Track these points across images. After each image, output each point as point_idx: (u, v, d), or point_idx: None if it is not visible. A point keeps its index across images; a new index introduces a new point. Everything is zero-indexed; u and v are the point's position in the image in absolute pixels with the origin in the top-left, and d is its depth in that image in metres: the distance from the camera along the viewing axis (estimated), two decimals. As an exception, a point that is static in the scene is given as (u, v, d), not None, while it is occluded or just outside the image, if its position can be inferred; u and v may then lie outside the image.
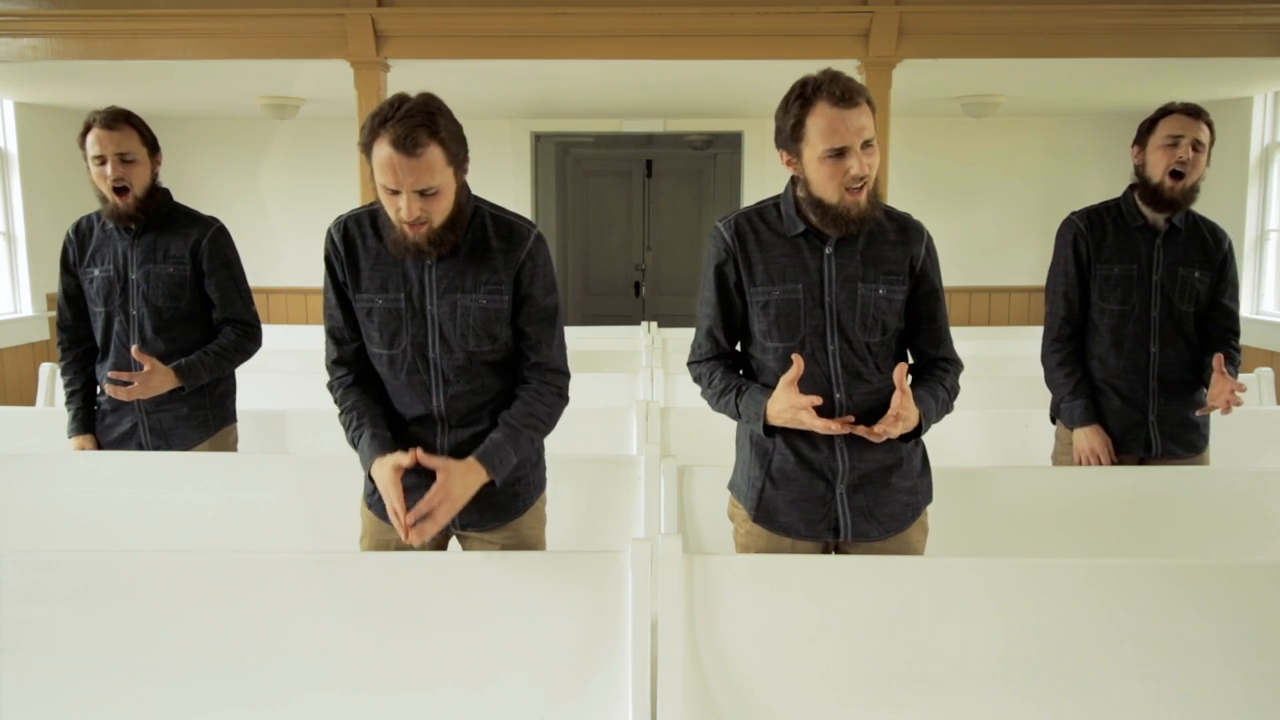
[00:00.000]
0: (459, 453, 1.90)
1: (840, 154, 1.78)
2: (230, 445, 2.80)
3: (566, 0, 4.35)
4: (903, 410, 1.80)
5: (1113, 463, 2.58)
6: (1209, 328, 2.61)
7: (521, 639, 1.86)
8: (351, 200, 5.33)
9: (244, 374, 3.02)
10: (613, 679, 1.84)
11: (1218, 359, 2.40)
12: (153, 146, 2.58)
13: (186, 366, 2.55)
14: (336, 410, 1.99)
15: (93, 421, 2.67)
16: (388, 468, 1.82)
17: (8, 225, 5.95)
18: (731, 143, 7.77)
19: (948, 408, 1.96)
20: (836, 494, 1.92)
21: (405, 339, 1.89)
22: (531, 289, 1.91)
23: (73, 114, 6.32)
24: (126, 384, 2.47)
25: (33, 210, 6.01)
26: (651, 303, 8.94)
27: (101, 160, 2.48)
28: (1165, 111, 2.53)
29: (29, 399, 5.58)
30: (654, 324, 5.66)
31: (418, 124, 1.71)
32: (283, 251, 7.01)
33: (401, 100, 1.73)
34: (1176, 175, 2.47)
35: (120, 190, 2.50)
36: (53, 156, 6.16)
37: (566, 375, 2.00)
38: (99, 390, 2.68)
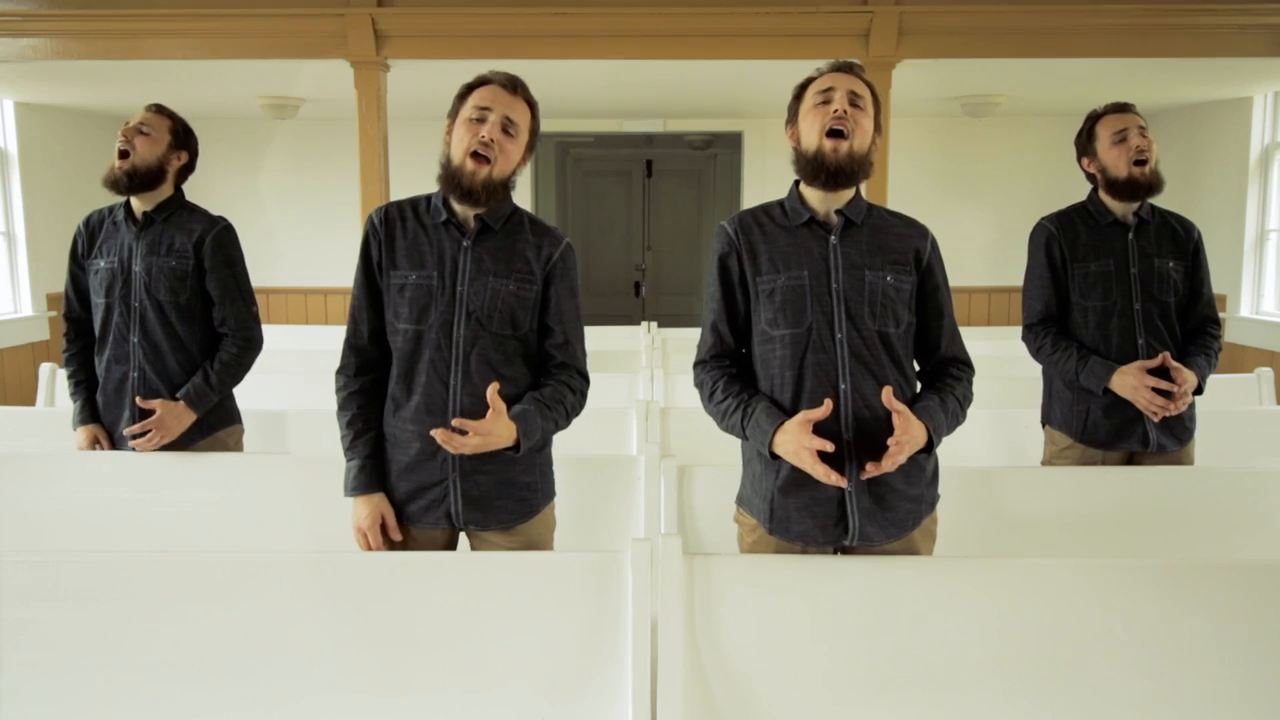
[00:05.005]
0: (470, 483, 1.98)
1: (826, 101, 1.88)
2: (232, 446, 2.78)
3: (566, 0, 4.35)
4: (904, 435, 1.75)
5: (1165, 373, 2.47)
6: (1189, 318, 2.64)
7: (521, 639, 1.86)
8: (352, 200, 5.33)
9: (244, 373, 3.01)
10: (613, 679, 1.84)
11: (1164, 356, 2.46)
12: (179, 141, 2.63)
13: (195, 395, 2.57)
14: (336, 404, 2.06)
15: (99, 411, 2.66)
16: (373, 511, 1.97)
17: (8, 225, 5.95)
18: (731, 143, 7.78)
19: (959, 418, 1.92)
20: (846, 494, 1.87)
21: (433, 315, 1.97)
22: (560, 288, 2.02)
23: (73, 114, 6.33)
24: (147, 430, 2.53)
25: (33, 210, 6.01)
26: (651, 303, 8.95)
27: (125, 124, 2.58)
28: (1096, 117, 2.63)
29: (29, 399, 5.58)
30: (654, 324, 5.66)
31: (523, 86, 2.02)
32: (282, 251, 7.01)
33: None
34: (1140, 163, 2.52)
35: (122, 154, 2.55)
36: (53, 156, 6.16)
37: (587, 380, 2.08)
38: (100, 385, 2.68)
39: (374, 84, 4.46)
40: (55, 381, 3.91)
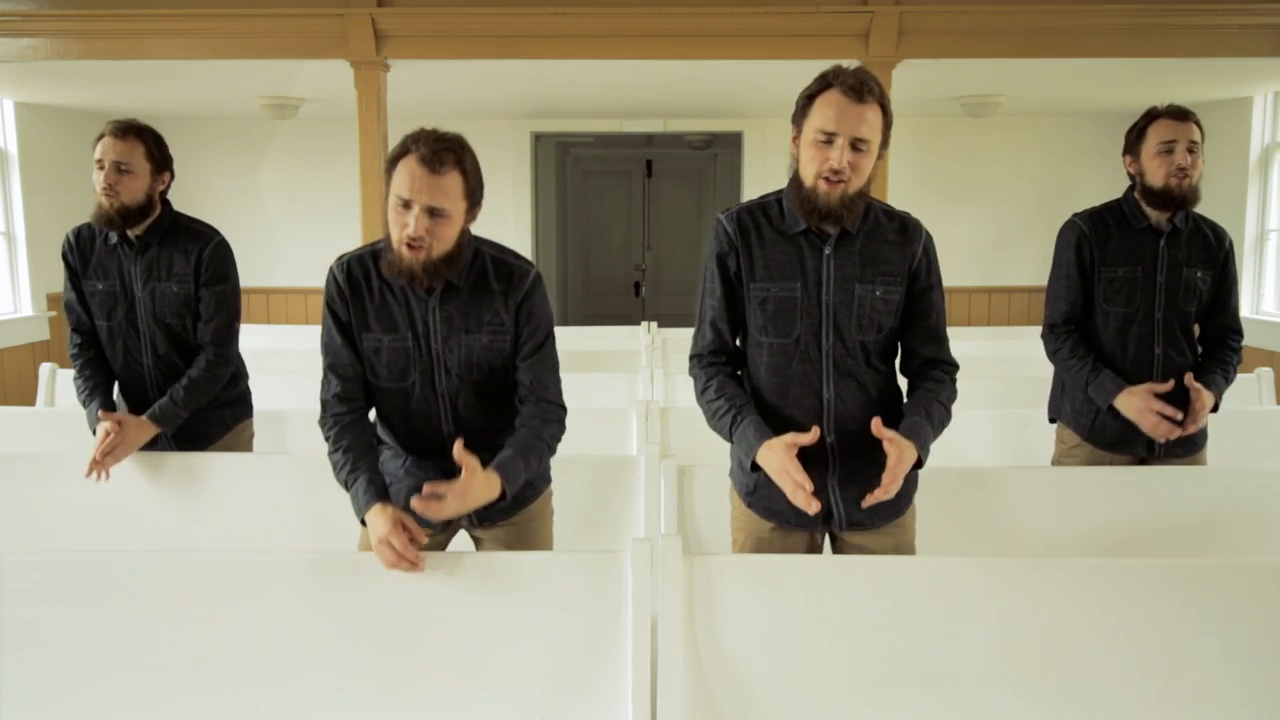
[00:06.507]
0: None
1: (828, 141, 1.81)
2: (245, 440, 2.82)
3: (566, 0, 4.35)
4: (898, 465, 1.80)
5: (1183, 393, 2.48)
6: (1209, 327, 2.62)
7: (521, 639, 1.86)
8: (352, 200, 5.33)
9: (245, 374, 3.01)
10: (613, 679, 1.84)
11: (1188, 378, 2.47)
12: (159, 164, 2.55)
13: (161, 413, 2.54)
14: (328, 448, 1.98)
15: (114, 409, 2.60)
16: (391, 519, 1.84)
17: (8, 225, 5.95)
18: (731, 143, 7.77)
19: (944, 423, 1.95)
20: (829, 485, 1.94)
21: (414, 374, 1.96)
22: (528, 327, 1.97)
23: (73, 114, 6.32)
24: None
25: (33, 210, 6.01)
26: (651, 303, 8.94)
27: (100, 165, 2.49)
28: (1152, 116, 2.52)
29: (29, 399, 5.58)
30: (654, 324, 5.65)
31: (447, 147, 1.82)
32: (282, 251, 7.01)
33: (436, 129, 1.86)
34: (1180, 176, 2.47)
35: (108, 193, 2.50)
36: (53, 156, 6.16)
37: (563, 409, 2.04)
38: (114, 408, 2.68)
39: (374, 84, 4.45)
40: (55, 381, 3.91)
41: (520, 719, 1.84)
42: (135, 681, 1.83)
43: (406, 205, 1.81)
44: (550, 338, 2.02)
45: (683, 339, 5.17)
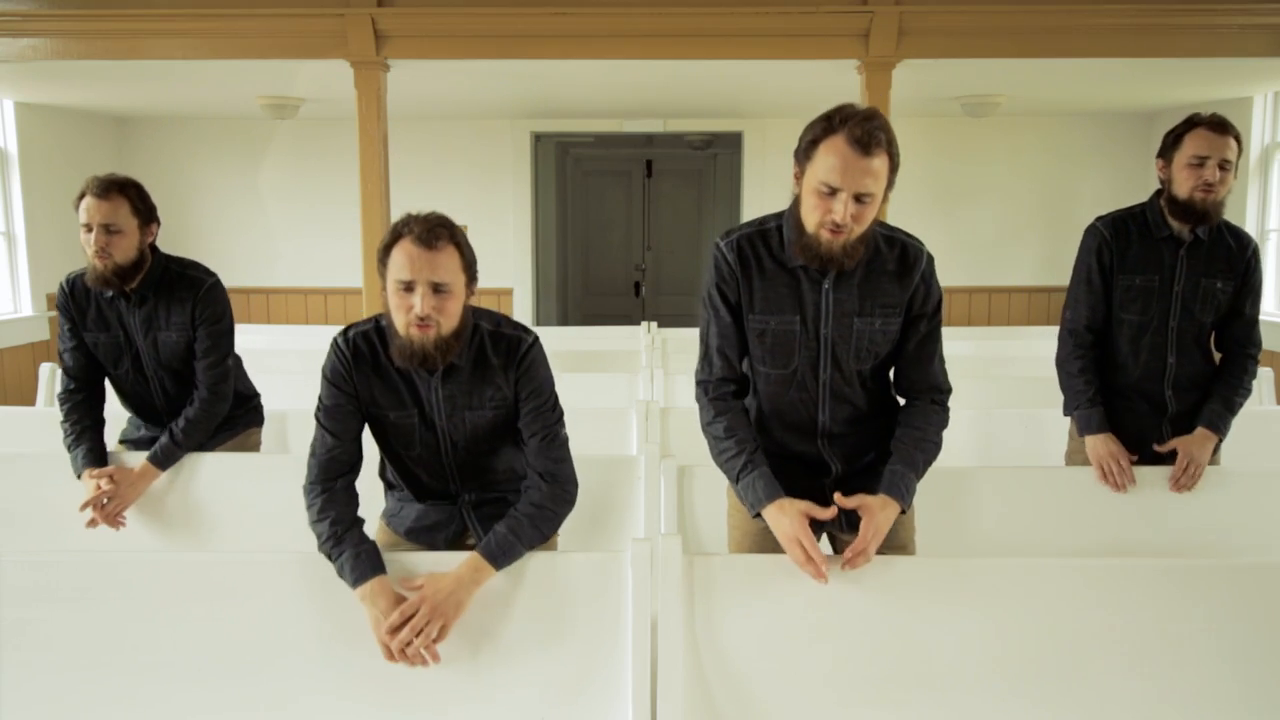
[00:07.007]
0: (483, 511, 2.05)
1: (832, 193, 1.76)
2: (251, 445, 2.85)
3: (566, 0, 4.35)
4: (865, 542, 1.81)
5: (1130, 464, 2.52)
6: (1224, 338, 2.59)
7: (522, 639, 1.86)
8: (352, 200, 5.33)
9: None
10: (613, 679, 1.84)
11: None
12: (146, 216, 2.53)
13: (162, 454, 2.55)
14: (310, 517, 1.93)
15: (105, 455, 2.59)
16: (390, 599, 1.82)
17: (8, 225, 5.95)
18: (731, 143, 7.77)
19: (931, 461, 1.96)
20: (826, 487, 1.97)
21: (418, 446, 1.99)
22: (528, 390, 1.98)
23: (73, 114, 6.33)
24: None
25: (33, 210, 6.00)
26: (651, 303, 8.95)
27: (88, 228, 2.46)
28: (1191, 124, 2.46)
29: (29, 399, 5.58)
30: (654, 324, 5.65)
31: (439, 224, 1.84)
32: (282, 251, 7.00)
33: (421, 213, 1.87)
34: (1205, 190, 2.43)
35: (101, 255, 2.47)
36: (53, 156, 6.16)
37: (575, 486, 2.03)
38: (131, 421, 2.74)
39: (374, 84, 4.45)
40: (55, 381, 3.90)
41: (521, 719, 1.84)
42: (135, 681, 1.84)
43: (409, 287, 1.82)
44: (553, 397, 2.01)
45: (683, 339, 5.17)
